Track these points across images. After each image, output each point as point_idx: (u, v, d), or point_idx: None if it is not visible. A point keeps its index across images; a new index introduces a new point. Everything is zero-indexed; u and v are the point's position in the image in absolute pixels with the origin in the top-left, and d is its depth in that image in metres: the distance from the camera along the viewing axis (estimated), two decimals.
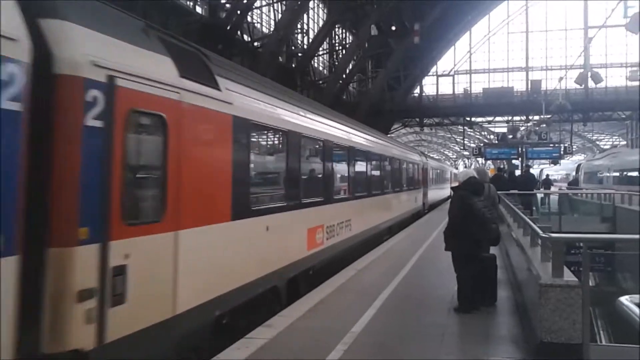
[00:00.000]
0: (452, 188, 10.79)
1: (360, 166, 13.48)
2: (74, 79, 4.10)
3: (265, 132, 7.95)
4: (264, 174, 8.43)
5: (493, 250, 8.55)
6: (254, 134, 7.21)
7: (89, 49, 4.25)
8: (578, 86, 31.63)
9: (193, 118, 5.50)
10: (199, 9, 25.15)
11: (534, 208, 19.38)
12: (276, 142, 8.67)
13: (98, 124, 4.25)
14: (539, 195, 22.96)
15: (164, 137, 5.04)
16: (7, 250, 3.56)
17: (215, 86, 6.11)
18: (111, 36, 4.61)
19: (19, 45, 3.66)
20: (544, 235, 6.18)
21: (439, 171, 36.66)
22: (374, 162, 15.13)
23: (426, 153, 38.43)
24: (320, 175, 10.18)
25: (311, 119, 9.77)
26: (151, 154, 5.03)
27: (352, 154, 12.42)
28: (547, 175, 40.61)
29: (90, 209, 4.19)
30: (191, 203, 5.45)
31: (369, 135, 15.26)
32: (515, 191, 18.05)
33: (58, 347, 3.99)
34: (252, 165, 7.14)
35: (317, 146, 10.21)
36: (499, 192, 16.15)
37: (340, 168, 11.85)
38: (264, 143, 8.41)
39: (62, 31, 4.12)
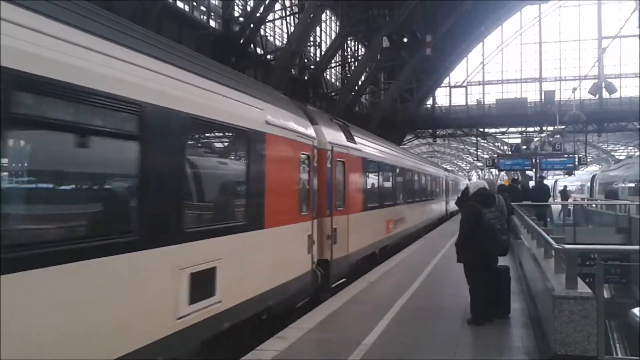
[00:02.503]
0: (456, 202, 10.67)
1: None
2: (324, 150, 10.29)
3: None
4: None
5: (507, 261, 8.49)
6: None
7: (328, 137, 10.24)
8: (592, 97, 31.42)
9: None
10: (212, 23, 25.38)
11: (548, 219, 19.19)
12: None
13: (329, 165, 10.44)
14: (553, 207, 22.72)
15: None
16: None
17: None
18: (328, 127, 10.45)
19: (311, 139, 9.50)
20: (557, 246, 6.15)
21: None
22: None
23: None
24: None
25: None
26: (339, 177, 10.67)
27: None
28: (565, 187, 40.15)
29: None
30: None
31: None
32: (529, 202, 17.91)
33: None
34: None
35: None
36: (512, 203, 16.21)
37: None
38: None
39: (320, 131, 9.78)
